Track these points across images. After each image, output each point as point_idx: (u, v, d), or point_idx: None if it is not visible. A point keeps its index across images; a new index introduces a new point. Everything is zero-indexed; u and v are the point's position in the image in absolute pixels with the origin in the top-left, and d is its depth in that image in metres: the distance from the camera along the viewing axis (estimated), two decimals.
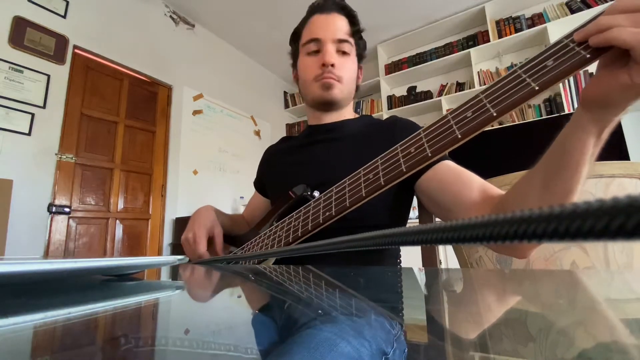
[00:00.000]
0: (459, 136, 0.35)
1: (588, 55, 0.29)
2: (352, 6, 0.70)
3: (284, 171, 0.73)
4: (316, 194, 0.55)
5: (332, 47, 0.65)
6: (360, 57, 0.71)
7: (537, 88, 0.31)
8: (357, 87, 0.75)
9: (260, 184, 0.82)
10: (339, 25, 0.66)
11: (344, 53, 0.67)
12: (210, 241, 0.64)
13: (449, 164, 0.55)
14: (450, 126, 0.37)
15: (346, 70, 0.66)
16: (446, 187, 0.53)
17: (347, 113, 0.73)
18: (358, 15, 0.69)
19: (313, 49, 0.66)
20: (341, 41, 0.65)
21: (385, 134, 0.63)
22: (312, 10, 0.69)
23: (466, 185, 0.50)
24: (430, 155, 0.37)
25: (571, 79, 2.41)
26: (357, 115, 0.75)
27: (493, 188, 0.49)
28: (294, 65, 0.75)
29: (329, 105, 0.68)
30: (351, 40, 0.67)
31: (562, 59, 0.30)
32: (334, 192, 0.47)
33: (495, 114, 0.33)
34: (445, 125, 0.37)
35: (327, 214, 0.45)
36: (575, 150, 0.35)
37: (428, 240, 0.11)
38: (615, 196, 0.06)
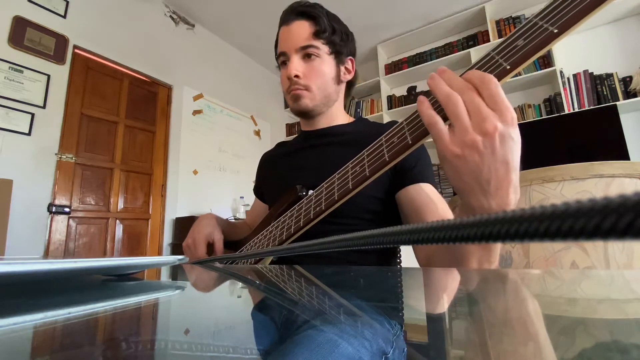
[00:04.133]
0: None
1: (556, 31, 0.30)
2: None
3: (279, 176, 0.73)
4: (310, 192, 0.55)
5: (297, 57, 0.64)
6: (339, 53, 0.68)
7: (508, 67, 0.32)
8: (352, 84, 0.73)
9: (259, 191, 0.83)
10: (299, 32, 0.65)
11: (310, 58, 0.65)
12: (211, 247, 0.65)
13: (427, 188, 0.56)
14: None
15: (314, 76, 0.65)
16: (409, 212, 0.55)
17: (339, 116, 0.72)
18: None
19: (282, 61, 0.68)
20: (304, 47, 0.64)
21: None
22: (279, 24, 0.69)
23: (424, 219, 0.52)
24: (411, 143, 0.37)
25: (572, 79, 2.41)
26: (351, 119, 0.74)
27: None
28: None
29: (304, 114, 0.69)
30: (316, 42, 0.65)
31: (530, 37, 0.31)
32: (324, 188, 0.48)
33: None
34: None
35: (318, 208, 0.46)
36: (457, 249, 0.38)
37: (421, 239, 0.11)
38: (607, 195, 0.06)
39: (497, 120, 0.31)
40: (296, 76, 0.64)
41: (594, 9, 0.29)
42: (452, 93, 0.33)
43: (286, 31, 0.66)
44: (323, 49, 0.66)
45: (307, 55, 0.65)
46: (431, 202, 0.54)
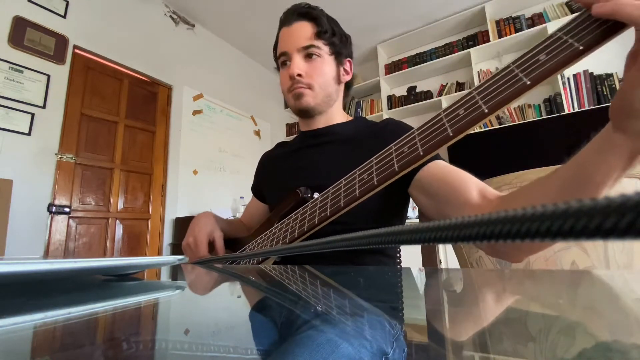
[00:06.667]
0: (451, 134, 0.35)
1: (581, 47, 0.28)
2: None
3: (280, 176, 0.73)
4: (316, 195, 0.55)
5: (299, 57, 0.65)
6: (338, 54, 0.69)
7: (528, 83, 0.30)
8: (350, 85, 0.75)
9: (258, 190, 0.83)
10: (301, 32, 0.66)
11: (311, 58, 0.66)
12: (211, 245, 0.65)
13: (442, 162, 0.55)
14: (442, 124, 0.36)
15: (316, 75, 0.66)
16: (442, 184, 0.51)
17: (338, 116, 0.73)
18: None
19: (283, 62, 0.68)
20: (306, 47, 0.65)
21: (376, 136, 0.64)
22: (280, 25, 0.70)
23: (463, 183, 0.49)
24: (422, 154, 0.37)
25: (572, 79, 2.41)
26: (350, 118, 0.75)
27: (490, 189, 0.48)
28: None
29: (305, 113, 0.69)
30: (317, 42, 0.66)
31: (554, 52, 0.29)
32: (330, 193, 0.48)
33: (487, 111, 0.32)
34: (438, 124, 0.37)
35: (323, 214, 0.45)
36: (598, 173, 0.32)
37: (421, 239, 0.11)
38: (608, 195, 0.06)
39: None
40: (299, 75, 0.64)
41: (625, 26, 0.26)
42: None
43: (287, 32, 0.67)
44: (324, 49, 0.67)
45: (308, 55, 0.66)
46: (452, 169, 0.52)
